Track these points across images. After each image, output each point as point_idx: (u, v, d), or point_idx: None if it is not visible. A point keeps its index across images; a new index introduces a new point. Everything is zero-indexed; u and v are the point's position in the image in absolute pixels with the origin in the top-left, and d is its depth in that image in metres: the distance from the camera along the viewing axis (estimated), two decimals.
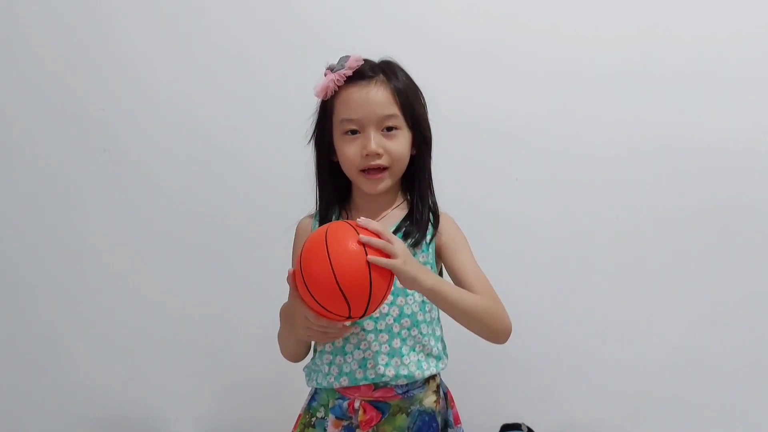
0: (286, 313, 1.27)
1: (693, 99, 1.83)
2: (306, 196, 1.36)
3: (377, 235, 1.10)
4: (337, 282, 1.06)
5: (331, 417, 1.28)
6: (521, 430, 1.80)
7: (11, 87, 1.93)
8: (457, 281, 1.26)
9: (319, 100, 1.30)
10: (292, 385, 1.52)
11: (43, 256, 1.95)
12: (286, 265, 1.28)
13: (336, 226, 1.13)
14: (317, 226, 1.31)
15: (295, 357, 1.33)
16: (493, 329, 1.23)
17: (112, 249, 1.94)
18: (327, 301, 1.09)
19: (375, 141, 1.23)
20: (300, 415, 1.35)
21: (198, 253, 1.92)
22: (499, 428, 1.82)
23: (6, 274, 1.96)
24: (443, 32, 1.85)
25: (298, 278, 1.12)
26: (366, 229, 1.11)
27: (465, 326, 1.22)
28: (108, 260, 1.94)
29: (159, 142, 1.92)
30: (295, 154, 1.82)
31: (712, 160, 1.83)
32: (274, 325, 1.36)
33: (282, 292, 1.35)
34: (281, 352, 1.33)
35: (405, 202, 1.33)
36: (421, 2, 1.87)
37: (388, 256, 1.09)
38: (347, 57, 1.27)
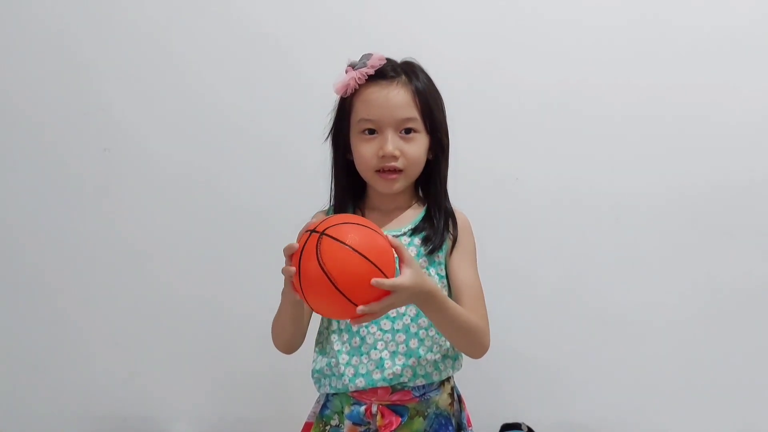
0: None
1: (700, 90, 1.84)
2: (303, 195, 1.36)
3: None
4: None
5: (347, 423, 1.24)
6: (521, 430, 1.80)
7: (11, 87, 1.92)
8: (452, 284, 1.26)
9: (338, 97, 1.28)
10: (292, 385, 1.53)
11: (43, 255, 1.94)
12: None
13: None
14: None
15: (289, 344, 1.27)
16: (472, 348, 1.23)
17: (112, 248, 1.93)
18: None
19: (392, 143, 1.22)
20: (309, 424, 1.31)
21: (198, 252, 1.92)
22: (499, 428, 1.82)
23: (6, 274, 1.96)
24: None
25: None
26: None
27: (445, 337, 1.22)
28: (108, 260, 1.94)
29: (159, 142, 1.91)
30: (295, 152, 1.85)
31: (713, 160, 1.84)
32: None
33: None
34: (274, 341, 1.27)
35: (418, 202, 1.32)
36: None
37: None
38: (370, 55, 1.25)
